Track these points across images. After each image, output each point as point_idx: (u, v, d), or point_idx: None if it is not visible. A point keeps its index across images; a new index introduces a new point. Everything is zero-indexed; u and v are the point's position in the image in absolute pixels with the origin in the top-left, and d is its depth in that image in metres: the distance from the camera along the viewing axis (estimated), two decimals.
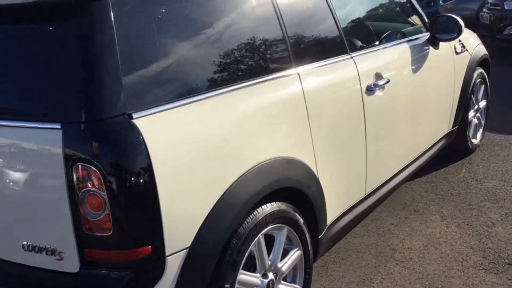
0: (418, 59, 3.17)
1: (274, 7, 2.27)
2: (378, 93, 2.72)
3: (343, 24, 2.74)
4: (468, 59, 3.85)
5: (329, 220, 2.53)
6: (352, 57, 2.65)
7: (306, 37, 2.46)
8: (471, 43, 3.96)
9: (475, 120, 4.18)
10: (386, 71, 2.81)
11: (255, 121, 2.03)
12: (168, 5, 1.91)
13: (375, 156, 2.79)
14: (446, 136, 3.77)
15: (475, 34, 4.30)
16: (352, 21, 2.94)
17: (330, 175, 2.45)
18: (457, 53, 3.67)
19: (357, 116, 2.60)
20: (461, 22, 3.24)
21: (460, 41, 3.75)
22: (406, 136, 3.09)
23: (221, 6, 2.11)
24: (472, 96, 4.02)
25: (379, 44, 2.99)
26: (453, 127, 3.82)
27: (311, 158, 2.31)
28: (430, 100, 3.33)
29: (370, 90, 2.66)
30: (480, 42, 4.16)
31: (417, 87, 3.13)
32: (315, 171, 2.33)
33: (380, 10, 3.24)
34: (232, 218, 1.88)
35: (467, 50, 3.83)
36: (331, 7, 2.62)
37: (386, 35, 3.11)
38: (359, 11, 3.09)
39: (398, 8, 3.40)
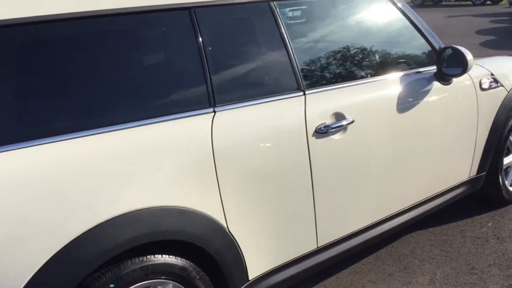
0: (412, 96, 2.75)
1: (195, 34, 2.09)
2: (335, 136, 2.39)
3: (304, 54, 2.45)
4: (504, 95, 3.29)
5: (253, 275, 2.27)
6: (304, 94, 2.36)
7: (235, 70, 2.22)
8: None
9: None
10: (353, 111, 2.46)
11: (122, 161, 1.84)
12: None
13: (330, 207, 2.46)
14: (466, 183, 3.26)
15: None
16: (327, 50, 2.62)
17: (251, 228, 2.19)
18: (483, 89, 3.15)
19: (298, 161, 2.30)
20: (468, 56, 2.76)
21: (492, 75, 3.22)
22: (385, 184, 2.70)
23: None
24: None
25: (361, 78, 2.63)
26: (478, 173, 3.29)
27: (217, 209, 2.07)
28: (430, 144, 2.88)
29: (321, 132, 2.34)
30: None
31: (406, 129, 2.72)
32: (223, 224, 2.09)
33: (373, 36, 2.85)
34: (74, 271, 1.72)
35: (502, 86, 3.28)
36: (283, 35, 2.35)
37: (377, 66, 2.75)
38: (342, 37, 2.74)
39: (399, 34, 2.97)
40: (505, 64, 3.48)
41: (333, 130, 2.38)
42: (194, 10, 2.11)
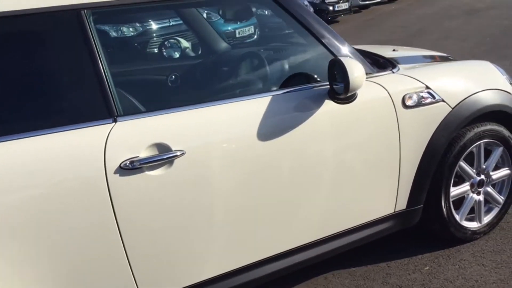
0: (287, 120, 2.26)
1: None
2: (152, 172, 1.99)
3: (129, 74, 2.06)
4: (446, 113, 2.67)
5: None
6: (115, 122, 1.97)
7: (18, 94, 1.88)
8: (465, 89, 2.74)
9: (477, 197, 2.93)
10: (186, 141, 2.04)
11: None
12: None
13: (150, 258, 2.08)
14: (392, 218, 2.70)
15: (489, 72, 2.98)
16: (166, 66, 2.20)
17: None
18: (407, 106, 2.56)
19: (96, 208, 1.93)
20: (355, 72, 2.20)
21: (427, 88, 2.62)
22: (236, 229, 2.24)
23: None
24: (464, 164, 2.82)
25: (212, 99, 2.19)
26: (409, 206, 2.71)
27: None
28: (318, 176, 2.37)
29: (127, 168, 1.95)
30: (492, 86, 2.86)
31: (274, 161, 2.24)
32: None
33: (234, 47, 2.37)
34: None
35: (442, 101, 2.66)
36: (94, 51, 1.97)
37: (241, 84, 2.29)
38: (195, 50, 2.30)
39: (283, 42, 2.44)
40: (454, 73, 2.84)
41: (148, 165, 1.98)
42: None
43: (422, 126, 2.62)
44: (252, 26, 10.13)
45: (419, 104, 2.59)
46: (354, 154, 2.45)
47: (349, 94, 2.27)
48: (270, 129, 2.21)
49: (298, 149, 2.30)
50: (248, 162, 2.17)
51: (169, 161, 2.01)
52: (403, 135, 2.56)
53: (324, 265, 2.80)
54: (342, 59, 2.23)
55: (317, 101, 2.34)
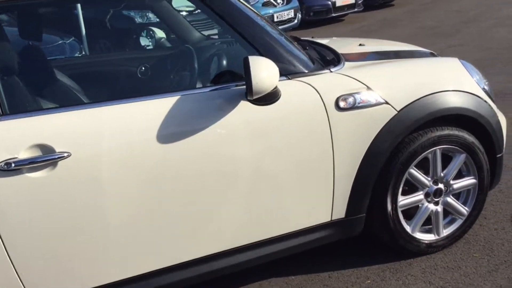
0: (193, 122, 2.14)
1: None
2: (33, 174, 1.94)
3: (19, 71, 2.02)
4: (390, 116, 2.45)
5: None
6: None
7: None
8: (415, 90, 2.51)
9: (434, 207, 2.70)
10: (72, 142, 1.98)
11: None
12: None
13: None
14: (329, 226, 2.53)
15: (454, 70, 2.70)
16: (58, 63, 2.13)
17: None
18: (342, 108, 2.37)
19: None
20: (262, 72, 2.04)
21: (368, 88, 2.42)
22: (135, 233, 2.15)
23: None
24: (416, 172, 2.59)
25: (106, 98, 2.11)
26: (348, 215, 2.53)
27: None
28: (232, 180, 2.25)
29: (3, 170, 1.91)
30: (452, 87, 2.59)
31: (178, 165, 2.13)
32: None
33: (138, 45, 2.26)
34: None
35: (386, 103, 2.44)
36: None
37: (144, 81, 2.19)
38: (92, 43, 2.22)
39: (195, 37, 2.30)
40: (406, 73, 2.59)
41: (27, 166, 1.93)
42: None
43: (361, 130, 2.42)
44: (293, 10, 9.90)
45: (356, 106, 2.39)
46: (276, 159, 2.30)
47: (256, 97, 2.11)
48: (175, 131, 2.10)
49: (209, 153, 2.17)
50: (145, 167, 2.08)
51: (53, 163, 1.96)
52: (337, 140, 2.38)
53: (261, 272, 2.68)
54: (251, 58, 2.08)
55: (233, 102, 2.20)
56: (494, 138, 2.71)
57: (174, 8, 3.38)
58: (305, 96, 2.32)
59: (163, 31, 3.40)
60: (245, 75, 2.05)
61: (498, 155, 2.77)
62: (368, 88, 2.42)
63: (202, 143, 2.14)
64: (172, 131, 2.09)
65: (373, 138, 2.44)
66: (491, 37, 8.23)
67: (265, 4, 9.71)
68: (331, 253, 2.79)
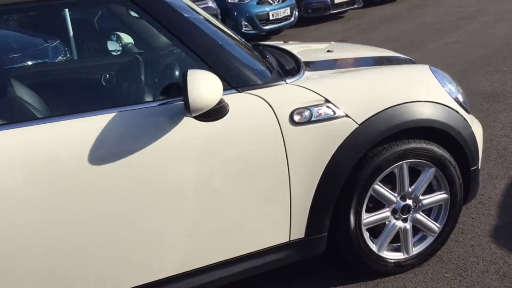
0: (125, 141, 2.00)
1: None
2: None
3: None
4: (351, 130, 2.30)
5: None
6: None
7: None
8: (378, 102, 2.35)
9: (402, 224, 2.54)
10: None
11: None
12: None
13: None
14: (288, 247, 2.38)
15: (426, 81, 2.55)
16: None
17: None
18: (297, 123, 2.22)
19: None
20: (200, 89, 1.90)
21: (327, 101, 2.27)
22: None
23: None
24: (381, 188, 2.44)
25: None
26: (308, 235, 2.39)
27: None
28: (175, 200, 2.11)
29: None
30: (420, 98, 2.44)
31: (109, 185, 1.99)
32: None
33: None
34: None
35: (347, 116, 2.29)
36: None
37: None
38: None
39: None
40: (369, 84, 2.44)
41: None
42: None
43: (319, 145, 2.27)
44: (289, 8, 9.72)
45: (312, 120, 2.24)
46: (225, 179, 2.16)
47: (195, 114, 1.97)
48: (106, 153, 1.96)
49: (147, 173, 2.03)
50: (76, 191, 1.94)
51: None
52: (292, 156, 2.23)
53: None
54: (191, 72, 1.94)
55: (175, 119, 2.06)
56: (467, 151, 2.55)
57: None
58: (256, 111, 2.18)
59: (131, 37, 3.24)
60: (183, 91, 1.90)
61: (472, 168, 2.60)
62: (327, 100, 2.27)
63: (138, 166, 2.00)
64: (103, 153, 1.95)
65: (332, 153, 2.29)
66: (491, 33, 8.01)
67: (260, 2, 9.54)
68: (294, 274, 2.64)
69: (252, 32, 9.45)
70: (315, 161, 2.28)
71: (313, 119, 2.23)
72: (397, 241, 2.59)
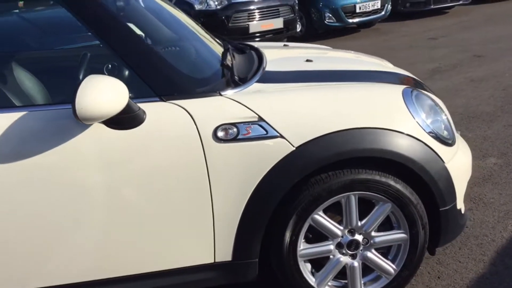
0: (17, 142, 1.96)
1: None
2: None
3: None
4: (286, 152, 2.10)
5: None
6: None
7: None
8: (322, 125, 2.12)
9: (349, 261, 2.30)
10: None
11: None
12: None
13: None
14: (212, 269, 2.24)
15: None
16: None
17: None
18: (221, 139, 2.06)
19: None
20: (82, 97, 1.80)
21: (260, 119, 2.09)
22: None
23: None
24: (322, 219, 2.22)
25: None
26: (236, 259, 2.23)
27: None
28: (55, 215, 2.03)
29: None
30: (376, 124, 2.16)
31: None
32: None
33: None
34: None
35: (281, 137, 2.09)
36: None
37: None
38: None
39: None
40: (316, 104, 2.19)
41: None
42: None
43: (246, 165, 2.09)
44: (379, 1, 9.25)
45: (239, 138, 2.06)
46: (136, 191, 2.06)
47: (88, 123, 1.88)
48: (7, 153, 1.94)
49: (50, 181, 1.98)
50: None
51: None
52: (215, 173, 2.08)
53: None
54: (89, 78, 1.85)
55: (83, 124, 1.97)
56: (434, 188, 2.23)
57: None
58: (177, 122, 2.05)
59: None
60: (71, 97, 1.81)
61: (441, 209, 2.28)
62: (260, 118, 2.08)
63: (43, 167, 1.96)
64: (6, 151, 1.93)
65: (263, 175, 2.10)
66: None
67: None
68: None
69: (336, 24, 9.09)
70: (242, 181, 2.11)
71: (240, 136, 2.06)
72: (345, 278, 2.34)
